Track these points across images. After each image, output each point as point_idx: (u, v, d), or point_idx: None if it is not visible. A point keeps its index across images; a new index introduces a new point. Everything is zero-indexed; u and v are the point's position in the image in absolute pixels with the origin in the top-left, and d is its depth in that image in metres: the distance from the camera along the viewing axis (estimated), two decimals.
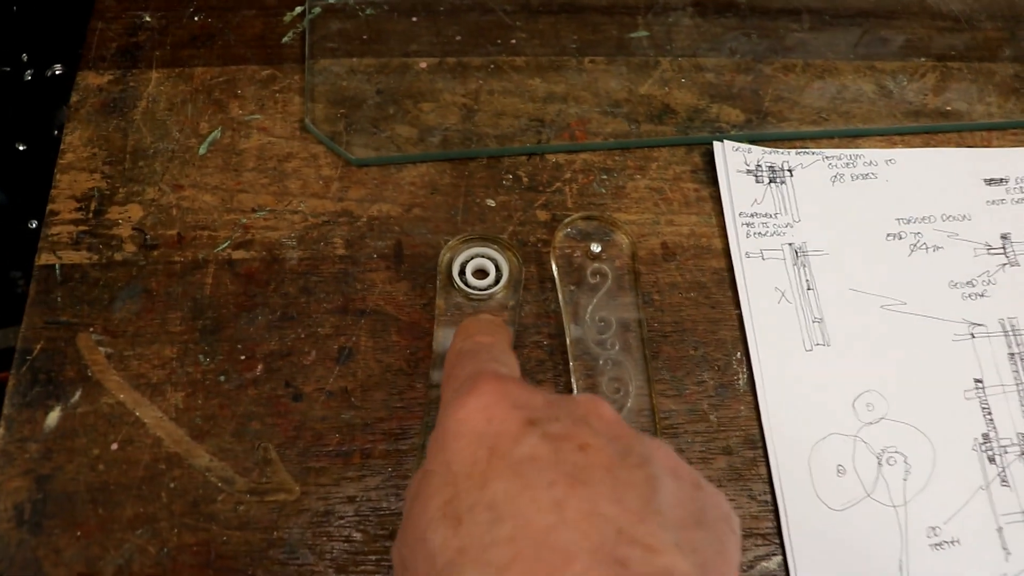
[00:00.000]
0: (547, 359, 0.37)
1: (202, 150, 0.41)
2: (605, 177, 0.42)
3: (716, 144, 0.43)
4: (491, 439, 0.22)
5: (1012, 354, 0.40)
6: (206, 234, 0.38)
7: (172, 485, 0.33)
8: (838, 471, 0.37)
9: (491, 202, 0.41)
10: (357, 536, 0.33)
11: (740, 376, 0.38)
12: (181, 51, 0.44)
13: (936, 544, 0.36)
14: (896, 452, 0.37)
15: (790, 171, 0.43)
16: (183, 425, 0.34)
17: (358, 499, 0.34)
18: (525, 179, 0.42)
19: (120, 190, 0.39)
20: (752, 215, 0.42)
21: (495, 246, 0.39)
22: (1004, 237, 0.44)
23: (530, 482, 0.20)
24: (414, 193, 0.41)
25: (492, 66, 0.45)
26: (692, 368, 0.38)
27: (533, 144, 0.42)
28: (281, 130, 0.42)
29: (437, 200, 0.41)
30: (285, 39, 0.45)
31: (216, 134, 0.41)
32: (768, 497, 0.36)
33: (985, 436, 0.38)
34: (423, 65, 0.44)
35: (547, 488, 0.20)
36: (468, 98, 0.44)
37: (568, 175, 0.42)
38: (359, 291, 0.38)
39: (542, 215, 0.41)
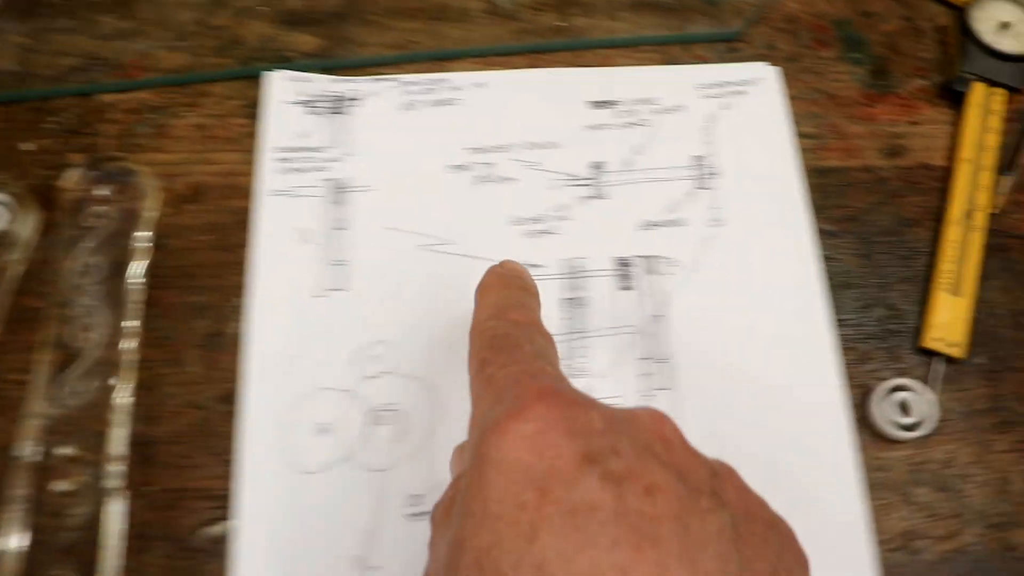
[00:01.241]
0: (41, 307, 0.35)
1: None
2: (153, 116, 0.39)
3: (266, 75, 0.40)
4: (541, 478, 0.18)
5: (566, 299, 0.36)
6: None
7: None
8: (322, 429, 0.33)
9: (31, 146, 0.39)
10: None
11: (233, 325, 0.35)
12: None
13: (414, 514, 0.32)
14: (391, 410, 0.34)
15: (356, 100, 0.40)
16: None
17: None
18: (71, 121, 0.40)
19: None
20: (294, 149, 0.38)
21: (6, 191, 0.37)
22: (596, 166, 0.38)
23: (589, 540, 0.17)
24: None
25: (63, 3, 0.43)
26: (186, 316, 0.35)
27: (83, 84, 0.40)
28: None
29: None
30: None
31: None
32: (232, 456, 0.33)
33: None
34: None
35: (609, 549, 0.17)
36: (29, 37, 0.42)
37: (116, 115, 0.40)
38: None
39: (76, 158, 0.39)
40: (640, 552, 0.17)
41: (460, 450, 0.27)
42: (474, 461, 0.20)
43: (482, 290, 0.28)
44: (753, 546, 0.19)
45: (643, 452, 0.19)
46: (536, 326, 0.26)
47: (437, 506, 0.23)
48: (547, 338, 0.25)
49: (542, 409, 0.19)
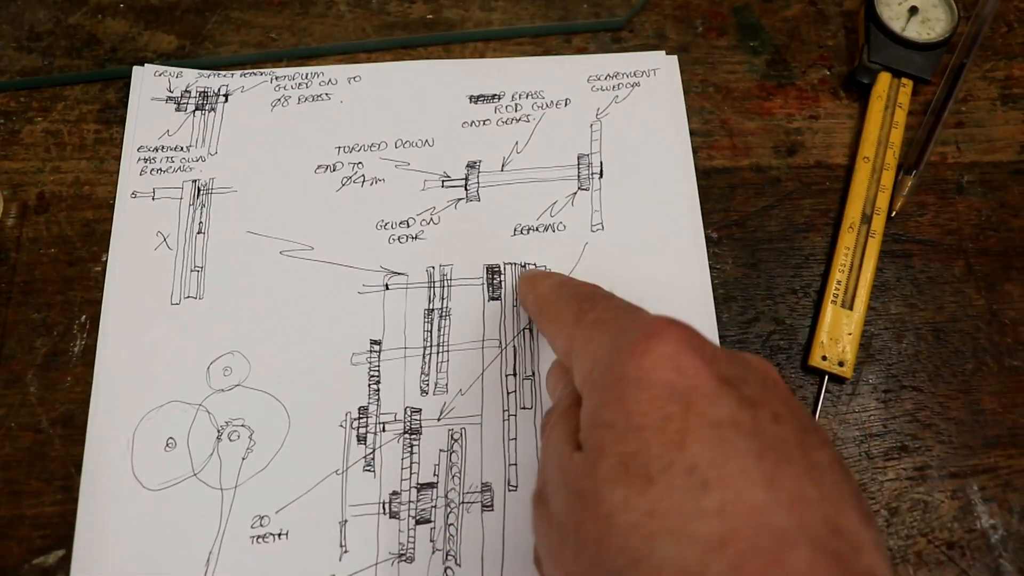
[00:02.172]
0: None
1: None
2: (2, 121, 0.38)
3: (136, 69, 0.38)
4: (684, 393, 0.20)
5: (430, 310, 0.34)
6: None
7: None
8: (167, 445, 0.32)
9: None
10: None
11: (79, 341, 0.33)
12: None
13: (259, 536, 0.31)
14: (243, 426, 0.32)
15: (226, 96, 0.38)
16: None
17: None
18: None
19: None
20: (157, 149, 0.37)
21: None
22: (471, 166, 0.37)
23: (736, 450, 0.18)
24: None
25: None
26: (27, 334, 0.34)
27: None
28: None
29: None
30: None
31: None
32: (73, 481, 0.31)
33: (362, 410, 0.32)
34: None
35: (756, 460, 0.18)
36: None
37: None
38: None
39: None
40: (780, 466, 0.18)
41: (558, 369, 0.28)
42: (609, 380, 0.21)
43: (529, 281, 0.30)
44: (850, 483, 0.20)
45: (763, 385, 0.21)
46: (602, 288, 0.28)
47: (549, 414, 0.25)
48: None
49: (676, 332, 0.21)
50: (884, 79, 0.38)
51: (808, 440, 0.20)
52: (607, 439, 0.20)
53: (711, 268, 0.35)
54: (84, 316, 0.34)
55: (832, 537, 0.17)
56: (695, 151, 0.37)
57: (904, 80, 0.38)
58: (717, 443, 0.19)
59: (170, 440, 0.32)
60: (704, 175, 0.37)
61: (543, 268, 0.35)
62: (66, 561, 0.30)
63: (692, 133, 0.37)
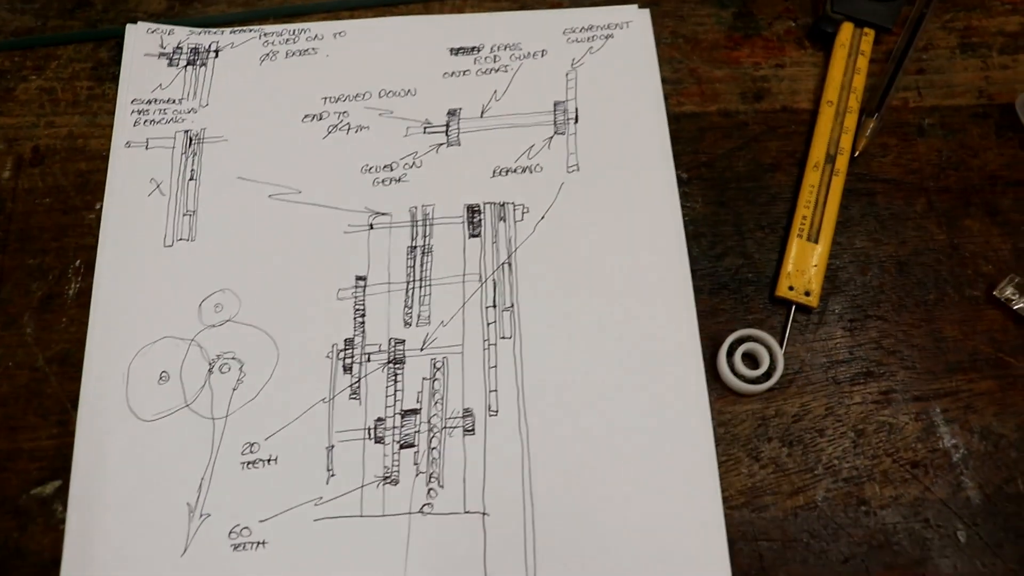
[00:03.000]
0: None
1: None
2: None
3: (129, 26, 0.40)
4: None
5: (413, 247, 0.36)
6: None
7: None
8: (161, 378, 0.33)
9: None
10: None
11: (74, 285, 0.35)
12: None
13: (249, 462, 0.32)
14: (233, 359, 0.34)
15: (216, 52, 0.39)
16: None
17: None
18: None
19: None
20: (150, 101, 0.38)
21: None
22: (451, 113, 0.38)
23: None
24: None
25: None
26: (23, 279, 0.35)
27: None
28: None
29: None
30: None
31: None
32: (69, 416, 0.33)
33: (348, 342, 0.34)
34: None
35: None
36: None
37: None
38: None
39: None
40: None
41: None
42: None
43: None
44: None
45: None
46: None
47: None
48: None
49: None
50: (847, 28, 0.40)
51: None
52: None
53: (682, 207, 0.37)
54: (79, 261, 0.35)
55: None
56: (666, 98, 0.39)
57: (866, 29, 0.40)
58: None
59: (163, 373, 0.33)
60: (674, 120, 0.38)
61: (521, 207, 0.36)
62: (63, 491, 0.32)
63: (663, 81, 0.39)
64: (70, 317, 0.34)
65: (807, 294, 0.35)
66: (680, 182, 0.37)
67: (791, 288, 0.35)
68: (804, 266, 0.35)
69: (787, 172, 0.38)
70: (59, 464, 0.32)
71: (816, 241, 0.36)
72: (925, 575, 0.31)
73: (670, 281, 0.35)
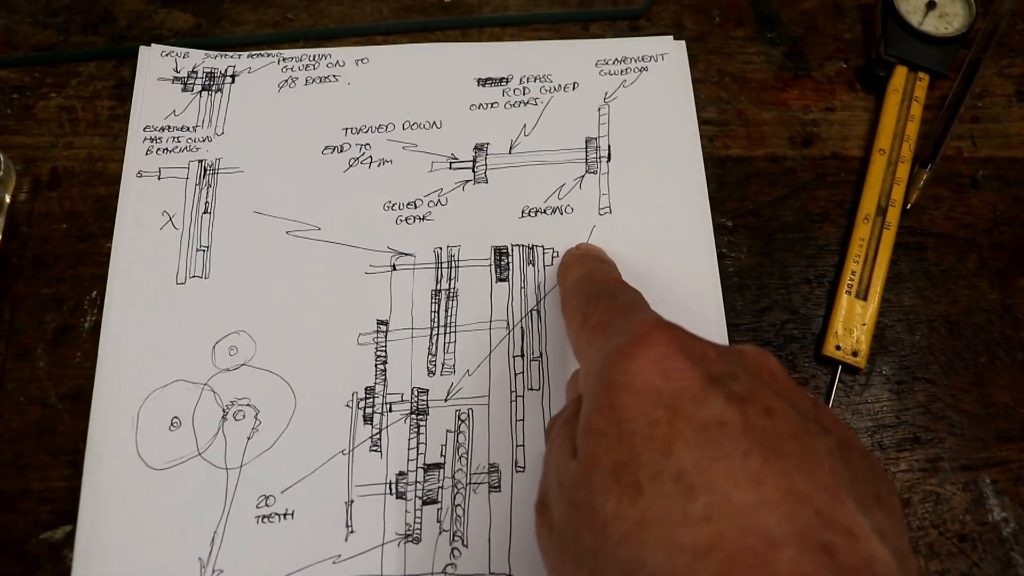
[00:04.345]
0: None
1: None
2: (16, 96, 0.38)
3: (142, 49, 0.39)
4: (670, 397, 0.20)
5: (437, 291, 0.34)
6: None
7: None
8: (172, 425, 0.32)
9: None
10: None
11: (89, 317, 0.34)
12: None
13: (264, 516, 0.31)
14: (248, 405, 0.33)
15: (233, 77, 0.38)
16: None
17: None
18: None
19: None
20: (163, 129, 0.37)
21: None
22: (479, 148, 0.37)
23: (723, 451, 0.18)
24: None
25: None
26: (38, 308, 0.34)
27: None
28: None
29: None
30: None
31: None
32: (81, 457, 0.32)
33: (369, 390, 0.33)
34: None
35: (743, 459, 0.18)
36: None
37: None
38: None
39: None
40: (769, 463, 0.18)
41: (575, 377, 0.28)
42: (600, 385, 0.21)
43: (564, 268, 0.31)
44: (857, 473, 0.20)
45: (755, 379, 0.21)
46: (623, 283, 0.28)
47: (554, 420, 0.25)
48: (636, 291, 0.27)
49: (662, 335, 0.21)
50: (901, 72, 0.38)
51: (806, 430, 0.20)
52: (600, 448, 0.20)
53: (726, 256, 0.36)
54: (95, 292, 0.35)
55: (823, 529, 0.17)
56: (711, 140, 0.38)
57: (921, 74, 0.38)
58: (703, 446, 0.19)
59: (175, 419, 0.33)
60: (719, 164, 0.37)
61: (552, 250, 0.35)
62: (73, 536, 0.31)
63: (708, 122, 0.38)
64: (84, 352, 0.34)
65: (855, 354, 0.34)
66: (725, 230, 0.36)
67: (838, 348, 0.34)
68: (852, 324, 0.34)
69: (835, 223, 0.37)
70: (70, 507, 0.31)
71: (865, 298, 0.35)
72: None
73: (704, 332, 0.34)
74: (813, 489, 0.18)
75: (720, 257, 0.35)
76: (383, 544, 0.31)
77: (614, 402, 0.20)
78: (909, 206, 0.37)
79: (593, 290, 0.27)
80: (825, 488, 0.18)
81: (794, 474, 0.18)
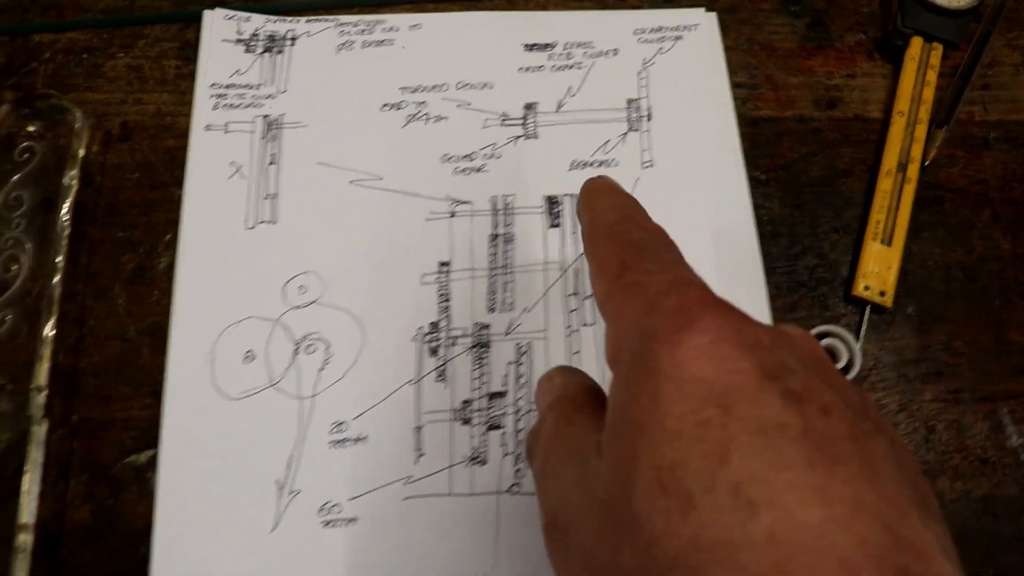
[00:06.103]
0: None
1: None
2: (86, 56, 0.41)
3: (206, 12, 0.42)
4: (722, 394, 0.17)
5: (494, 235, 0.37)
6: None
7: None
8: (246, 357, 0.35)
9: None
10: None
11: (164, 259, 0.37)
12: None
13: (337, 441, 0.34)
14: (319, 339, 0.35)
15: (293, 40, 0.41)
16: None
17: None
18: (2, 60, 0.41)
19: None
20: (228, 86, 0.40)
21: None
22: (528, 107, 0.40)
23: (785, 460, 0.16)
24: None
25: None
26: (114, 252, 0.37)
27: (15, 23, 0.41)
28: None
29: None
30: None
31: None
32: (160, 387, 0.34)
33: (434, 325, 0.36)
34: None
35: (807, 468, 0.16)
36: None
37: (48, 55, 0.41)
38: None
39: (8, 95, 0.40)
40: (833, 473, 0.16)
41: (545, 384, 0.26)
42: (640, 373, 0.19)
43: (589, 196, 0.26)
44: (906, 471, 0.18)
45: (810, 372, 0.18)
46: (665, 234, 0.24)
47: (534, 435, 0.23)
48: (677, 247, 0.24)
49: (713, 320, 0.19)
50: (916, 43, 0.42)
51: (862, 429, 0.18)
52: (639, 447, 0.18)
53: (760, 206, 0.39)
54: (168, 235, 0.37)
55: (897, 552, 0.16)
56: (743, 102, 0.41)
57: (935, 44, 0.42)
58: (762, 452, 0.17)
59: (249, 352, 0.35)
60: (752, 124, 0.41)
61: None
62: (156, 460, 0.33)
63: (740, 86, 0.42)
64: (161, 290, 0.36)
65: (882, 294, 0.37)
66: (759, 183, 0.39)
67: (867, 288, 0.37)
68: (879, 267, 0.37)
69: (859, 178, 0.40)
70: (152, 434, 0.34)
71: (890, 244, 0.38)
72: (995, 568, 0.33)
73: (746, 277, 0.37)
74: (879, 501, 0.16)
75: (755, 208, 0.39)
76: (451, 466, 0.33)
77: (658, 394, 0.18)
78: (927, 163, 0.40)
79: (635, 238, 0.23)
80: (890, 498, 0.17)
81: (859, 483, 0.16)
